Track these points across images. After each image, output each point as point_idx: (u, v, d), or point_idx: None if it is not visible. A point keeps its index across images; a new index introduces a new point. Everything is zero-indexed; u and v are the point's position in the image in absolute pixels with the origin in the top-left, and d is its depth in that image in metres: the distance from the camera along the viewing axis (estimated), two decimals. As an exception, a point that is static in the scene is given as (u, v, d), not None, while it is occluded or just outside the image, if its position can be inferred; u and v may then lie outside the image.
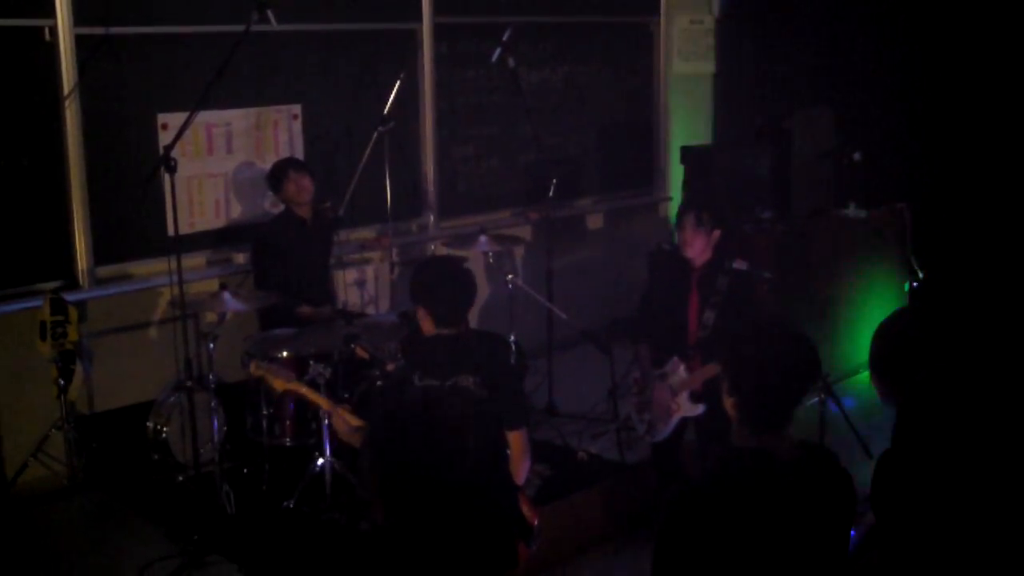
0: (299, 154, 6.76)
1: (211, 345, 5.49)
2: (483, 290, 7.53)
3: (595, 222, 8.83)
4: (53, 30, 5.79)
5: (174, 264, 5.29)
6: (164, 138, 6.04)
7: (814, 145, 7.68)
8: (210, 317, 6.07)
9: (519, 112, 7.45)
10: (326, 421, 5.25)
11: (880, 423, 6.14)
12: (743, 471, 2.85)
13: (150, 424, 5.88)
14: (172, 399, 5.87)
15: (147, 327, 6.42)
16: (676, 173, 8.59)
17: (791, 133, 7.59)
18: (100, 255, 6.09)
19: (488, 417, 4.02)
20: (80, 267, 6.02)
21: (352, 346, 5.23)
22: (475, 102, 7.76)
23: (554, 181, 7.04)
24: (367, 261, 7.24)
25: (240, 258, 6.57)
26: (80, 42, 5.86)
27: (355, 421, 4.02)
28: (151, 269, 6.18)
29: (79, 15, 5.83)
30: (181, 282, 5.34)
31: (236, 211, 6.63)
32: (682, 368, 5.33)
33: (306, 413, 5.59)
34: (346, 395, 5.45)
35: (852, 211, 7.72)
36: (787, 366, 2.89)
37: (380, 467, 2.48)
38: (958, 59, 7.95)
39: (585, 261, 8.56)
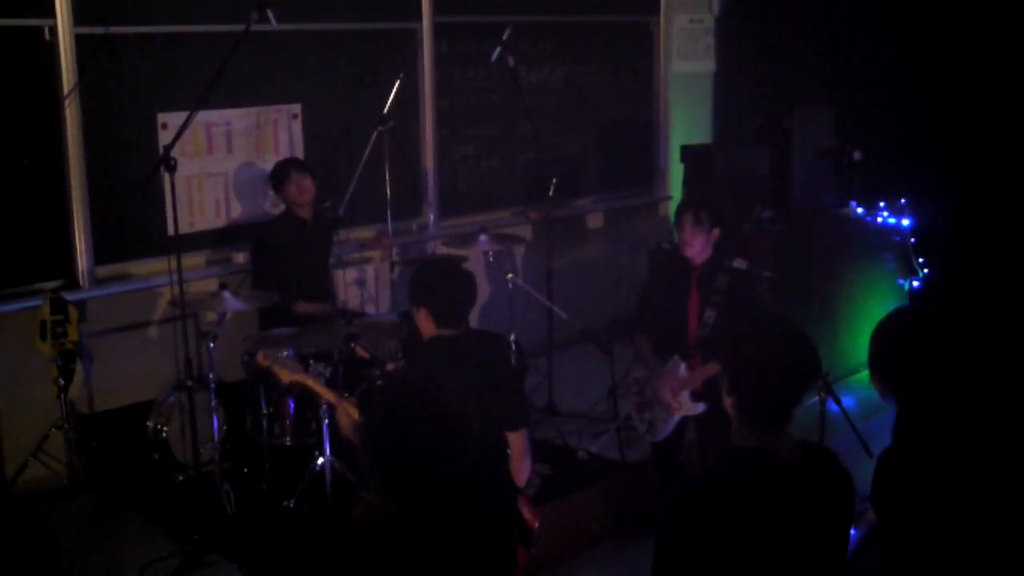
0: (299, 154, 6.75)
1: (211, 345, 5.48)
2: (483, 289, 7.53)
3: (595, 221, 8.83)
4: (53, 30, 5.78)
5: (174, 264, 5.29)
6: (164, 137, 6.03)
7: (814, 144, 7.67)
8: (210, 317, 6.07)
9: (519, 111, 7.45)
10: (326, 420, 5.25)
11: (880, 422, 6.14)
12: (743, 471, 2.86)
13: (150, 424, 5.88)
14: (172, 399, 5.87)
15: (147, 327, 6.42)
16: (676, 172, 8.58)
17: (791, 132, 7.58)
18: (100, 255, 6.08)
19: (488, 417, 4.02)
20: (80, 267, 6.02)
21: (352, 345, 5.22)
22: (475, 101, 7.76)
23: (554, 180, 7.05)
24: (367, 260, 7.24)
25: (240, 258, 6.57)
26: (80, 42, 5.86)
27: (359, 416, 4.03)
28: (151, 269, 6.18)
29: (79, 15, 5.82)
30: (181, 282, 5.34)
31: (236, 211, 6.63)
32: (683, 367, 5.33)
33: (306, 412, 5.59)
34: (346, 394, 5.44)
35: (852, 210, 7.74)
36: (787, 365, 2.89)
37: (380, 466, 2.48)
38: (959, 58, 7.95)
39: (585, 260, 8.56)
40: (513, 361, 6.53)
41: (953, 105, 8.03)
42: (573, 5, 8.21)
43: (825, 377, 6.05)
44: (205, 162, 6.47)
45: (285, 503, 5.39)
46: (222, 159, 6.54)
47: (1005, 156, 7.81)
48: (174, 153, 5.30)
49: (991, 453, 2.63)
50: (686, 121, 9.17)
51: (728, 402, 2.94)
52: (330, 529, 4.98)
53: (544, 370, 7.01)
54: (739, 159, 7.77)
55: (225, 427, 5.76)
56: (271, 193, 6.55)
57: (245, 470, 5.85)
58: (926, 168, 8.10)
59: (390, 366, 5.44)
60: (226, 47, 5.54)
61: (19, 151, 5.80)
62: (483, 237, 6.59)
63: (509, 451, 4.14)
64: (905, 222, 7.84)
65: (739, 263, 5.36)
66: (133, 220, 6.18)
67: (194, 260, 6.39)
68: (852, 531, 3.16)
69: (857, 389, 7.00)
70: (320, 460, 5.36)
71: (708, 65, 9.34)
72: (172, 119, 6.07)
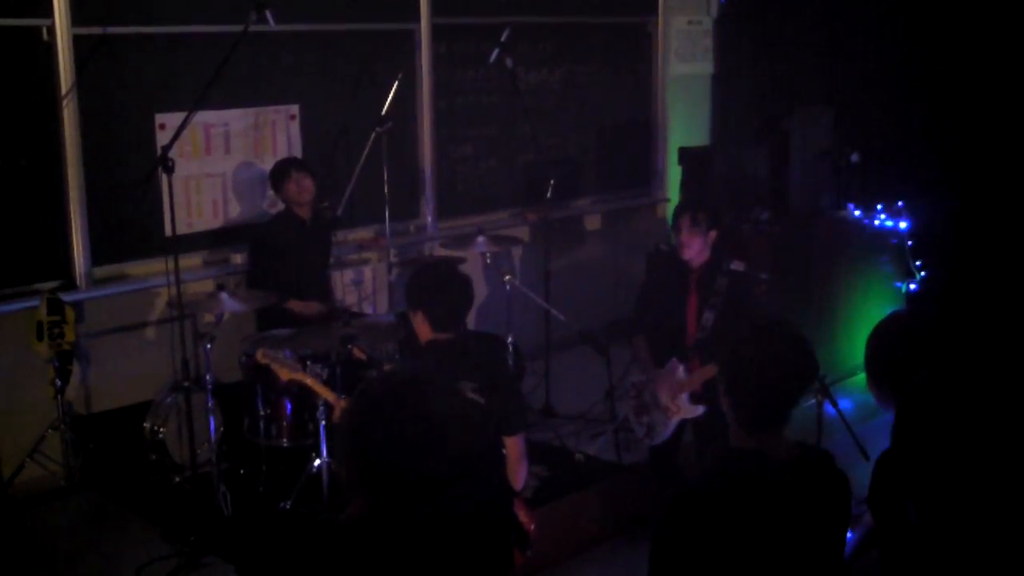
0: (297, 154, 6.75)
1: (208, 346, 5.48)
2: (481, 291, 7.53)
3: (593, 223, 8.83)
4: (51, 30, 5.78)
5: (171, 264, 5.29)
6: (162, 138, 6.03)
7: (812, 146, 7.68)
8: (207, 317, 6.07)
9: (517, 112, 7.45)
10: (323, 422, 5.25)
11: (877, 425, 6.13)
12: (740, 472, 2.85)
13: (147, 425, 5.88)
14: (169, 400, 5.87)
15: (144, 327, 6.42)
16: (674, 174, 8.59)
17: (789, 134, 7.59)
18: (97, 255, 6.08)
19: (486, 419, 4.01)
20: (77, 267, 6.01)
21: (349, 347, 5.22)
22: (473, 102, 7.76)
23: (552, 182, 7.05)
24: (365, 261, 7.23)
25: (238, 258, 6.56)
26: (78, 42, 5.85)
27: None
28: (148, 269, 6.18)
29: (77, 15, 5.82)
30: (179, 282, 5.34)
31: (234, 211, 6.63)
32: (681, 369, 5.33)
33: (303, 414, 5.58)
34: (343, 396, 5.44)
35: (850, 212, 7.74)
36: (784, 367, 2.89)
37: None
38: (956, 59, 7.96)
39: (583, 262, 8.56)
40: (511, 363, 6.54)
41: (950, 108, 8.03)
42: (571, 6, 8.22)
43: (822, 379, 6.04)
44: (203, 163, 6.46)
45: (282, 504, 5.39)
46: (220, 160, 6.54)
47: (1003, 159, 7.82)
48: (172, 154, 5.30)
49: (990, 455, 2.63)
50: (684, 123, 9.18)
51: (725, 403, 2.94)
52: (318, 532, 4.96)
53: (541, 371, 7.01)
54: (737, 161, 7.78)
55: (222, 428, 5.76)
56: (270, 193, 6.55)
57: (242, 471, 5.84)
58: (924, 170, 8.11)
59: (387, 367, 5.43)
60: (224, 48, 5.54)
61: (17, 151, 5.79)
62: (481, 238, 6.59)
63: (506, 453, 4.14)
64: (903, 224, 7.84)
65: (737, 265, 5.36)
66: (131, 221, 6.18)
67: (192, 261, 6.39)
68: (849, 534, 3.16)
69: (854, 392, 7.00)
70: (317, 461, 5.35)
71: (706, 67, 9.34)
72: (170, 119, 6.07)
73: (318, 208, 6.40)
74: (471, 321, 6.56)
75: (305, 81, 6.82)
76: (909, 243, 7.89)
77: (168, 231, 5.41)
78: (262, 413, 5.63)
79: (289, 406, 5.60)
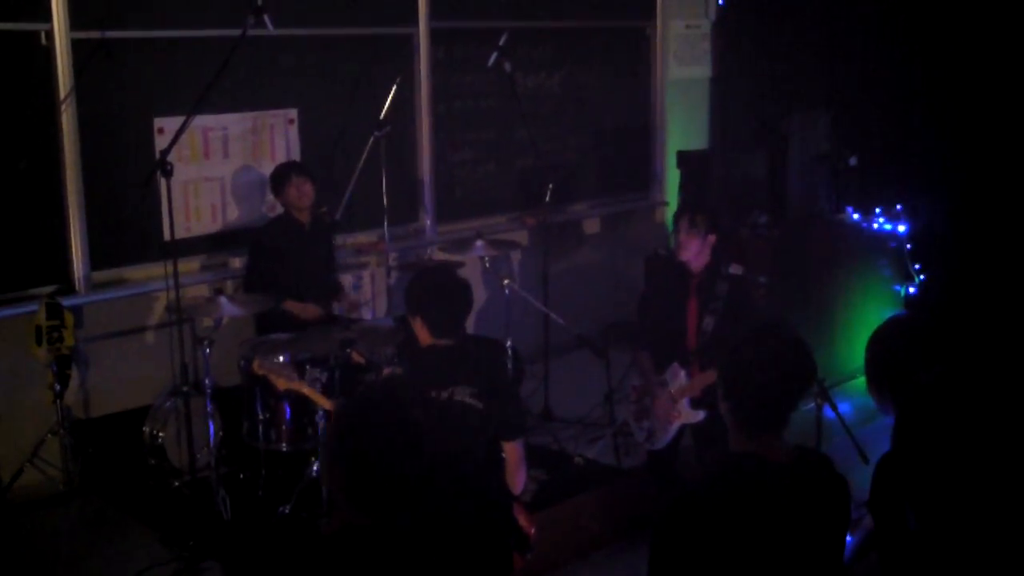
0: (296, 158, 6.74)
1: (207, 350, 5.48)
2: (480, 295, 7.53)
3: (592, 227, 8.83)
4: (49, 34, 5.78)
5: (170, 269, 5.29)
6: (160, 142, 6.03)
7: (810, 150, 7.68)
8: (206, 322, 6.06)
9: (516, 117, 7.45)
10: (322, 425, 5.25)
11: (876, 429, 6.13)
12: (738, 476, 2.85)
13: (146, 429, 5.87)
14: (168, 404, 5.87)
15: (143, 332, 6.41)
16: (673, 177, 8.59)
17: (787, 137, 7.59)
18: (96, 260, 6.08)
19: (484, 424, 4.01)
20: (76, 272, 6.01)
21: (348, 351, 5.22)
22: (472, 107, 7.76)
23: (551, 186, 7.05)
24: (363, 266, 7.23)
25: (237, 263, 6.56)
26: (76, 46, 5.85)
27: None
28: (147, 274, 6.18)
29: (75, 19, 5.82)
30: (177, 287, 5.34)
31: (232, 215, 6.63)
32: (682, 374, 5.33)
33: (302, 418, 5.58)
34: (342, 400, 5.44)
35: (848, 215, 7.75)
36: (782, 370, 2.89)
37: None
38: (955, 62, 7.96)
39: (582, 266, 8.56)
40: (510, 366, 6.54)
41: (948, 111, 8.04)
42: (570, 10, 8.22)
43: (821, 383, 6.04)
44: (202, 167, 6.46)
45: (281, 509, 5.39)
46: (219, 164, 6.54)
47: (1001, 162, 7.82)
48: (170, 158, 5.30)
49: (989, 459, 2.63)
50: (682, 126, 9.18)
51: (723, 406, 2.94)
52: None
53: (540, 375, 7.01)
54: (735, 164, 7.79)
55: (221, 432, 5.75)
56: (269, 197, 6.55)
57: (241, 476, 5.84)
58: (922, 174, 8.11)
59: (386, 371, 5.43)
60: (223, 52, 5.54)
61: (16, 155, 5.79)
62: (479, 242, 6.58)
63: (505, 457, 4.14)
64: (901, 228, 7.84)
65: (735, 269, 5.36)
66: (130, 225, 6.17)
67: (190, 265, 6.39)
68: (848, 537, 3.16)
69: (853, 395, 6.99)
70: (316, 466, 5.35)
71: (704, 70, 9.34)
72: (169, 124, 6.07)
73: (317, 212, 6.40)
74: (470, 325, 6.55)
75: (304, 85, 6.82)
76: (907, 246, 7.89)
77: (167, 235, 5.40)
78: (261, 417, 5.62)
79: (288, 410, 5.60)
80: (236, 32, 5.58)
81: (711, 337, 5.27)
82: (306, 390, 4.72)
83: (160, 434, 5.81)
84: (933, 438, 2.69)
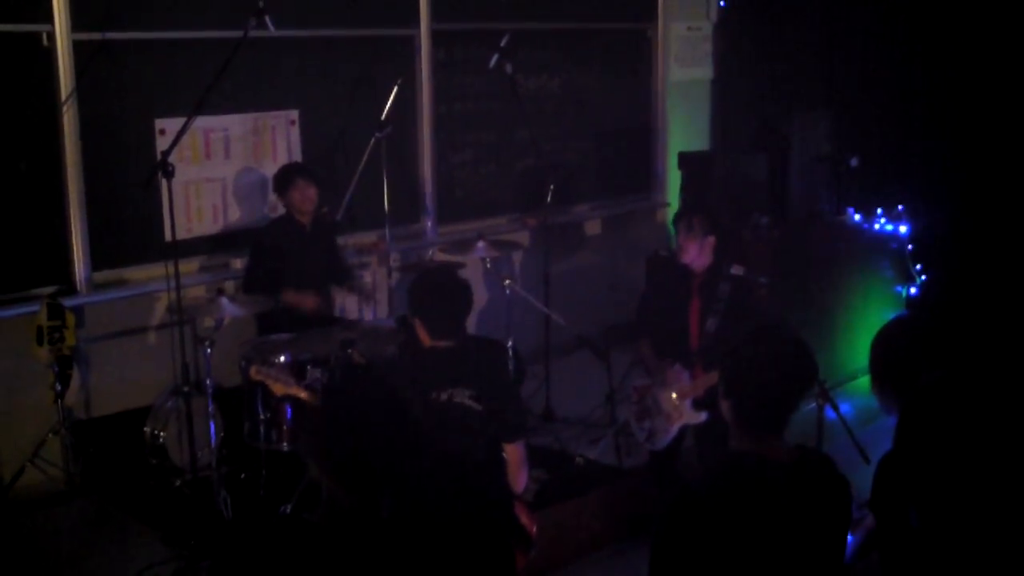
0: (297, 159, 6.75)
1: (208, 350, 5.48)
2: (481, 296, 7.53)
3: (593, 228, 8.84)
4: (51, 35, 5.79)
5: (171, 269, 5.29)
6: (162, 143, 6.03)
7: (811, 151, 7.68)
8: (207, 322, 6.07)
9: (517, 118, 7.46)
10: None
11: (878, 429, 6.13)
12: (740, 475, 2.85)
13: (147, 429, 5.88)
14: (169, 404, 5.87)
15: (144, 332, 6.42)
16: (674, 179, 8.60)
17: (788, 139, 7.60)
18: (97, 260, 6.08)
19: (485, 424, 4.01)
20: (77, 272, 6.01)
21: (349, 351, 5.22)
22: (473, 108, 7.76)
23: (552, 187, 7.05)
24: (365, 266, 7.23)
25: (238, 263, 6.57)
26: (78, 47, 5.86)
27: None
28: (148, 274, 6.18)
29: (77, 20, 5.83)
30: (179, 287, 5.34)
31: (234, 216, 6.63)
32: (685, 375, 5.33)
33: (304, 418, 5.58)
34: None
35: (849, 216, 7.75)
36: (783, 370, 2.89)
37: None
38: (955, 63, 7.96)
39: (583, 267, 8.56)
40: (511, 367, 6.54)
41: (950, 112, 8.04)
42: (571, 12, 8.22)
43: (822, 383, 6.04)
44: (203, 168, 6.47)
45: (282, 508, 5.39)
46: (220, 165, 6.54)
47: (1003, 163, 7.82)
48: (172, 159, 5.30)
49: (991, 459, 2.63)
50: (684, 128, 9.18)
51: (725, 406, 2.94)
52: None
53: (541, 376, 7.01)
54: (736, 166, 7.79)
55: (222, 432, 5.76)
56: (271, 198, 6.55)
57: (242, 475, 5.84)
58: (923, 175, 8.11)
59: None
60: (224, 53, 5.55)
61: (17, 156, 5.80)
62: (481, 243, 6.59)
63: (506, 458, 4.14)
64: (902, 229, 7.84)
65: (736, 269, 5.36)
66: (131, 225, 6.18)
67: (191, 266, 6.39)
68: (849, 537, 3.16)
69: (855, 395, 7.00)
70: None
71: (706, 72, 9.35)
72: (170, 124, 6.07)
73: (318, 214, 6.41)
74: (471, 326, 6.56)
75: (305, 86, 6.83)
76: (909, 247, 7.89)
77: (168, 236, 5.41)
78: (262, 417, 5.62)
79: (289, 410, 5.59)
80: (237, 33, 5.59)
81: (714, 338, 5.27)
82: (304, 395, 4.70)
83: (161, 434, 5.81)
84: (935, 438, 2.69)
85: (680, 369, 5.35)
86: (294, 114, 6.80)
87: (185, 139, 5.62)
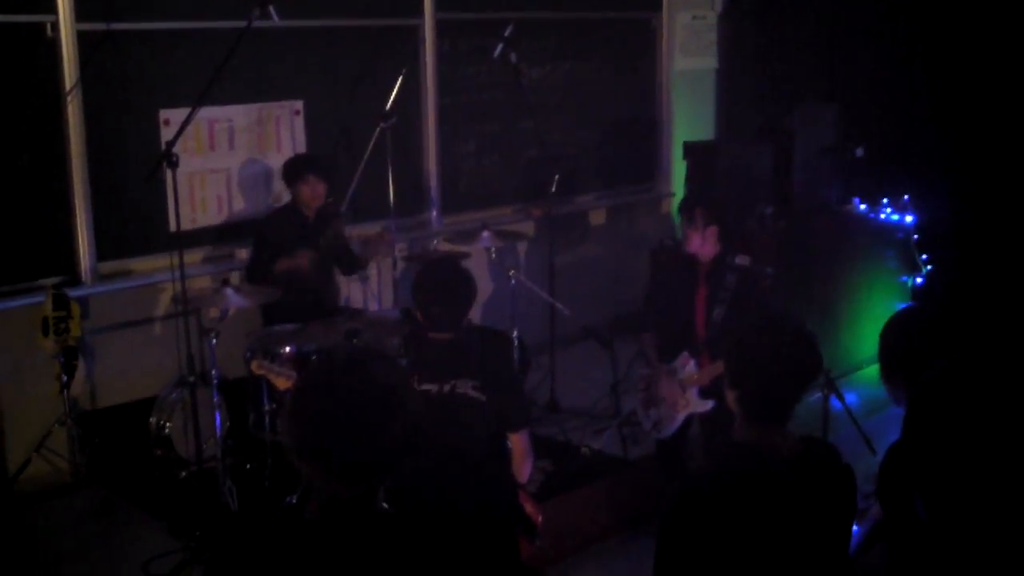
0: (301, 150, 6.74)
1: (213, 341, 5.48)
2: (486, 286, 7.53)
3: (597, 218, 8.83)
4: (55, 26, 5.78)
5: (176, 260, 5.29)
6: (166, 134, 6.04)
7: (816, 141, 7.66)
8: (212, 313, 6.06)
9: (521, 108, 7.45)
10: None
11: (883, 419, 6.14)
12: (744, 466, 2.85)
13: (153, 420, 5.88)
14: (175, 395, 5.87)
15: (149, 323, 6.42)
16: (679, 169, 8.58)
17: (793, 129, 7.58)
18: (102, 251, 6.09)
19: (487, 415, 4.02)
20: (82, 263, 6.02)
21: (354, 342, 5.22)
22: (477, 98, 7.75)
23: (556, 177, 7.04)
24: (384, 255, 7.21)
25: (243, 254, 6.56)
26: (82, 38, 5.86)
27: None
28: (153, 265, 6.19)
29: (81, 11, 5.82)
30: (183, 278, 5.33)
31: (238, 207, 6.63)
32: (691, 363, 5.33)
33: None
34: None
35: (855, 206, 7.73)
36: (788, 360, 2.89)
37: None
38: (961, 53, 7.94)
39: (587, 257, 8.56)
40: (516, 357, 6.54)
41: (956, 101, 8.02)
42: (575, 2, 8.21)
43: (828, 373, 6.04)
44: (207, 158, 6.47)
45: (288, 499, 5.39)
46: (224, 155, 6.54)
47: (1009, 152, 7.80)
48: (176, 149, 5.30)
49: (999, 449, 2.63)
50: (688, 117, 9.17)
51: (730, 396, 2.95)
52: (286, 530, 4.95)
53: (546, 367, 7.02)
54: (741, 156, 7.76)
55: (228, 423, 5.77)
56: (275, 188, 6.56)
57: (248, 466, 5.85)
58: (929, 164, 8.09)
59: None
60: (228, 43, 5.53)
61: (21, 147, 5.80)
62: (485, 234, 6.59)
63: (510, 447, 4.15)
64: (908, 219, 7.83)
65: (741, 260, 5.36)
66: (135, 216, 6.18)
67: (196, 256, 6.40)
68: (855, 527, 3.16)
69: (860, 385, 7.00)
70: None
71: (710, 61, 9.33)
72: (174, 115, 6.07)
73: (323, 205, 6.39)
74: (476, 316, 6.56)
75: (309, 77, 6.82)
76: (914, 237, 7.88)
77: (173, 226, 5.41)
78: (267, 408, 5.64)
79: (294, 401, 5.60)
80: (242, 23, 5.58)
81: (720, 327, 5.27)
82: None
83: (167, 425, 5.82)
84: (941, 428, 2.69)
85: (687, 358, 5.35)
86: (298, 105, 6.79)
87: (189, 130, 5.61)
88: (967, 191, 7.92)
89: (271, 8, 5.52)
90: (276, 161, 6.57)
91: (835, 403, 6.24)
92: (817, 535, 2.87)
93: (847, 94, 8.39)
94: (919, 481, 2.75)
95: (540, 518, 4.04)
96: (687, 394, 5.32)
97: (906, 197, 7.84)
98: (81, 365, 5.90)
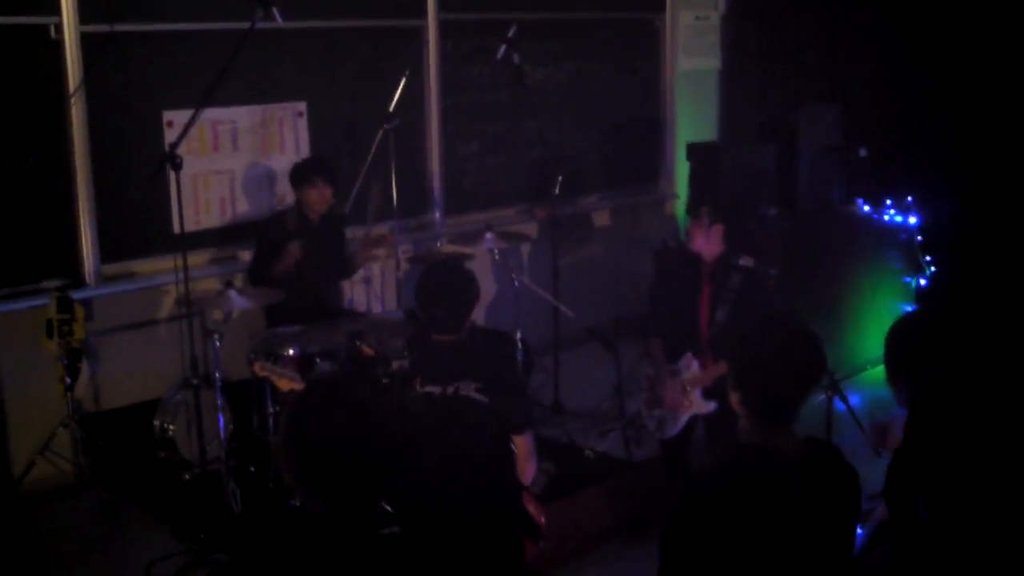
0: (304, 151, 6.75)
1: (217, 343, 5.48)
2: (489, 288, 7.52)
3: (601, 219, 8.82)
4: (59, 27, 5.79)
5: (180, 262, 5.29)
6: (169, 135, 6.03)
7: (820, 141, 7.66)
8: (216, 315, 6.06)
9: (524, 109, 7.44)
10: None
11: (887, 421, 6.12)
12: (747, 467, 2.85)
13: (156, 422, 5.88)
14: (178, 397, 5.88)
15: (153, 325, 6.42)
16: (682, 170, 8.58)
17: (797, 129, 7.57)
18: (106, 253, 6.09)
19: (489, 417, 4.01)
20: (86, 265, 6.02)
21: (357, 343, 5.22)
22: (480, 99, 7.75)
23: (560, 178, 7.04)
24: (373, 258, 7.22)
25: (246, 256, 6.56)
26: (85, 40, 5.86)
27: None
28: (157, 267, 6.19)
29: (85, 12, 5.83)
30: (187, 280, 5.34)
31: (242, 208, 6.63)
32: (695, 365, 5.33)
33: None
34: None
35: (859, 207, 7.72)
36: (792, 362, 2.89)
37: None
38: (964, 53, 7.93)
39: (591, 258, 8.55)
40: (520, 359, 6.54)
41: (960, 102, 8.01)
42: (578, 2, 8.21)
43: (832, 375, 6.03)
44: (211, 160, 6.47)
45: (292, 502, 5.39)
46: (228, 157, 6.54)
47: (1012, 153, 7.79)
48: (180, 151, 5.30)
49: (997, 451, 2.62)
50: (692, 118, 9.16)
51: (734, 397, 2.94)
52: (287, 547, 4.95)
53: (550, 368, 7.01)
54: (745, 157, 7.76)
55: (231, 425, 5.77)
56: (279, 189, 6.55)
57: (252, 469, 5.85)
58: (933, 165, 8.08)
59: (395, 364, 5.43)
60: (231, 44, 5.54)
61: (25, 149, 5.80)
62: (489, 235, 6.59)
63: (515, 450, 4.15)
64: (912, 220, 7.82)
65: (745, 261, 5.36)
66: (139, 218, 6.18)
67: (200, 258, 6.39)
68: (858, 529, 3.16)
69: (864, 387, 6.99)
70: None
71: (714, 62, 9.33)
72: (178, 117, 6.07)
73: (327, 209, 6.38)
74: (480, 317, 6.55)
75: (312, 78, 6.82)
76: (918, 238, 7.87)
77: (176, 228, 5.41)
78: (271, 410, 5.64)
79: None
80: (245, 25, 5.58)
81: (724, 328, 5.27)
82: None
83: (170, 427, 5.82)
84: (941, 430, 2.69)
85: (690, 358, 5.35)
86: (302, 106, 6.79)
87: (193, 131, 5.62)
88: (972, 192, 7.91)
89: (274, 9, 5.53)
90: (279, 163, 6.57)
91: (839, 404, 6.23)
92: (821, 536, 2.87)
93: (850, 94, 8.38)
94: (919, 483, 2.75)
95: (543, 520, 4.04)
96: (690, 395, 5.32)
97: (910, 198, 7.83)
98: (85, 367, 5.91)
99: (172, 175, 5.34)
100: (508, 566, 3.82)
